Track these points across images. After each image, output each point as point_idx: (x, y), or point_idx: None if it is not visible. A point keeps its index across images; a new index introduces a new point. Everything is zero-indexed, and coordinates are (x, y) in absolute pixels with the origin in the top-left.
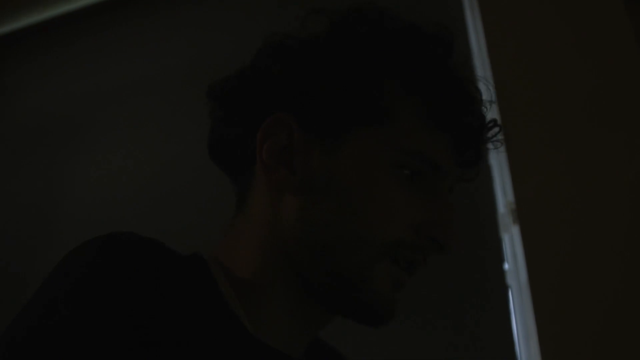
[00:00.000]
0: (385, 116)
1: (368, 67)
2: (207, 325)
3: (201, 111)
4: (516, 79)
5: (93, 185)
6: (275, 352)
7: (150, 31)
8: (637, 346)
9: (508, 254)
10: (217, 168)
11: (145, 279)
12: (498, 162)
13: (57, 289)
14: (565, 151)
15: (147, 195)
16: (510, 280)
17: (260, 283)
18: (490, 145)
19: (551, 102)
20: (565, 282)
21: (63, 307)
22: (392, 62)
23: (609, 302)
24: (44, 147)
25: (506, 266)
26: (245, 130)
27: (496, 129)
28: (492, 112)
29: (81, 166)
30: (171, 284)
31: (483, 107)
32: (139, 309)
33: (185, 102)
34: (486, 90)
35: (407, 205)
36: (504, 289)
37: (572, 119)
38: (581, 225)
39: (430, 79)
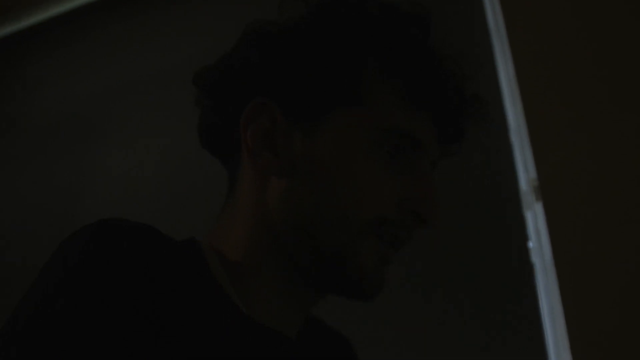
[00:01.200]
0: (363, 97)
1: (345, 49)
2: (202, 308)
3: None
4: (536, 55)
5: (110, 183)
6: (270, 331)
7: (163, 25)
8: None
9: (532, 231)
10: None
11: (139, 265)
12: (519, 138)
13: (52, 279)
14: (587, 126)
15: (165, 192)
16: (534, 258)
17: (251, 265)
18: (472, 121)
19: (573, 76)
20: (591, 259)
21: (58, 297)
22: (369, 43)
23: (636, 278)
24: (58, 145)
25: (530, 244)
26: (230, 116)
27: (478, 104)
28: (474, 87)
29: (97, 164)
30: (165, 269)
31: (463, 83)
32: (133, 296)
33: None
34: (469, 66)
35: (388, 182)
36: (528, 267)
37: (594, 94)
38: (605, 201)
39: (407, 58)
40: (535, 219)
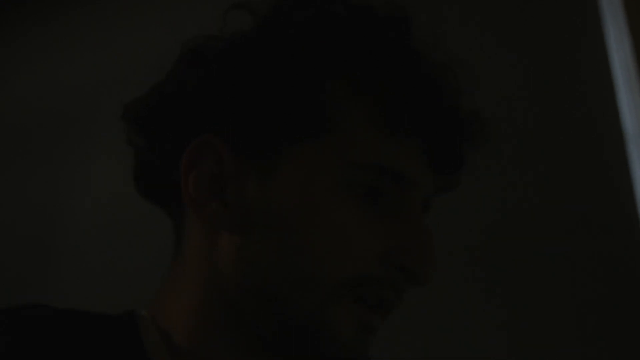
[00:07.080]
0: (328, 125)
1: (302, 68)
2: None
3: None
4: None
5: (95, 202)
6: None
7: (157, 8)
8: None
9: None
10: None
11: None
12: None
13: None
14: None
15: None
16: None
17: (201, 342)
18: (472, 144)
19: None
20: None
21: None
22: (332, 56)
23: None
24: (30, 151)
25: None
26: (170, 157)
27: (478, 123)
28: (472, 102)
29: (79, 176)
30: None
31: (458, 98)
32: None
33: None
34: (467, 76)
35: (366, 231)
36: None
37: None
38: None
39: (380, 72)
40: None
